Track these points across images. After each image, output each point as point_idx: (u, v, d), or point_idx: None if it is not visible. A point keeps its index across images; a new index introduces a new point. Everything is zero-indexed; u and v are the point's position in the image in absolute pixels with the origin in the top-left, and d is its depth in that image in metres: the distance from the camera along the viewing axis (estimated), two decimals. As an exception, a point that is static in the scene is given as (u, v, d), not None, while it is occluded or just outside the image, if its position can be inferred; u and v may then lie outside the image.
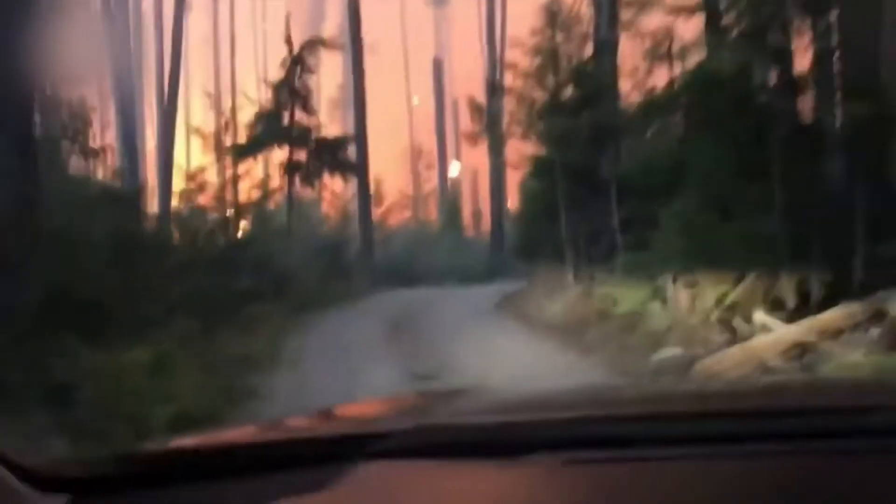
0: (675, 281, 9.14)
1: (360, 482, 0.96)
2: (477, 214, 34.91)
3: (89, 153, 11.57)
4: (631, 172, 11.35)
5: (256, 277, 14.51)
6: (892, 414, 1.03)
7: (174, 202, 19.84)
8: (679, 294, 8.79)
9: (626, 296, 9.72)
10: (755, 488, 0.87)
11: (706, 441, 0.98)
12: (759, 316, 7.75)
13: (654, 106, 10.74)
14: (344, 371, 8.45)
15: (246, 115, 22.80)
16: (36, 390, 5.78)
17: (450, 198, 35.02)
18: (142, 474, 1.03)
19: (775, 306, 8.26)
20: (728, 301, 8.59)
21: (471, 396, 1.54)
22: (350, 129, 25.38)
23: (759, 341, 7.25)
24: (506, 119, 14.14)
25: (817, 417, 1.06)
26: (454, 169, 38.43)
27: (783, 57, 10.02)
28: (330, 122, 31.59)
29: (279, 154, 21.45)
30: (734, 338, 7.70)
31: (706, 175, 9.04)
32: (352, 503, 0.94)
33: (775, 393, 1.50)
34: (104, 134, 26.35)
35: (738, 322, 7.95)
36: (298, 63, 21.20)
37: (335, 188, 27.08)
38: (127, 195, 12.29)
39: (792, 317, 7.87)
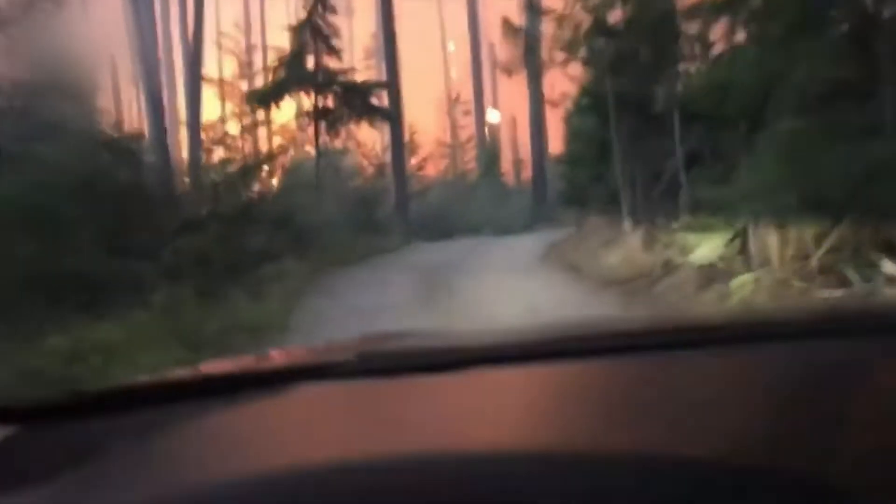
0: (758, 223, 7.56)
1: (299, 402, 0.96)
2: (517, 163, 33.36)
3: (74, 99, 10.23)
4: (696, 98, 9.65)
5: (278, 233, 13.26)
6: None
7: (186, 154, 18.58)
8: (768, 238, 7.18)
9: (698, 242, 8.14)
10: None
11: (636, 351, 1.01)
12: (888, 265, 6.12)
13: (720, 7, 8.86)
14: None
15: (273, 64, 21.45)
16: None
17: (488, 146, 33.45)
18: (90, 406, 1.02)
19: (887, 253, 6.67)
20: (827, 245, 7.01)
21: (418, 335, 1.52)
22: (384, 78, 23.91)
23: (887, 297, 5.66)
24: (546, 44, 12.34)
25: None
26: (492, 115, 36.81)
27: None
28: (364, 71, 30.12)
29: (307, 103, 20.25)
30: (850, 293, 6.10)
31: (797, 93, 7.39)
32: (288, 422, 0.92)
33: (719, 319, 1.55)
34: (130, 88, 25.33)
35: (852, 273, 6.32)
36: (320, 1, 19.75)
37: (368, 137, 25.89)
38: (122, 145, 10.94)
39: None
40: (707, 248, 8.01)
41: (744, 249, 7.96)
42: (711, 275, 7.65)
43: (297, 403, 0.95)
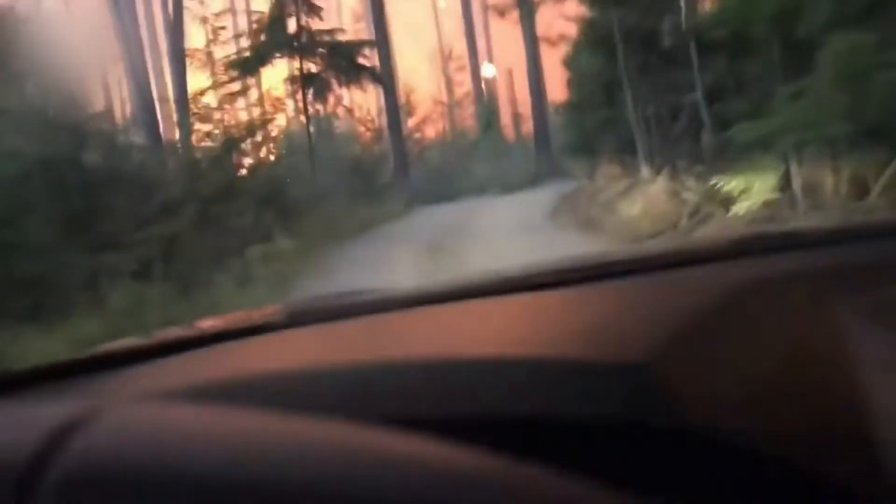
0: (802, 159, 6.57)
1: (224, 356, 0.96)
2: (516, 117, 32.28)
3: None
4: (715, 23, 8.57)
5: (268, 210, 12.36)
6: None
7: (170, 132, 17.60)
8: (818, 176, 6.18)
9: (737, 186, 7.14)
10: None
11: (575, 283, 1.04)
12: None
13: None
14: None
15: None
16: None
17: (486, 101, 32.31)
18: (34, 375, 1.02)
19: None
20: (885, 179, 6.03)
21: (368, 292, 1.41)
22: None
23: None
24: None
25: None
26: (488, 70, 35.57)
27: None
28: (354, 35, 28.86)
29: (294, 68, 19.21)
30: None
31: (838, 4, 6.35)
32: (214, 372, 0.91)
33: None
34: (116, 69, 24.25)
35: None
36: (298, -40, 18.58)
37: (363, 102, 24.93)
38: (89, 127, 9.98)
39: None
40: (751, 192, 6.98)
41: (786, 191, 6.97)
42: (753, 223, 6.67)
43: (222, 358, 0.95)
